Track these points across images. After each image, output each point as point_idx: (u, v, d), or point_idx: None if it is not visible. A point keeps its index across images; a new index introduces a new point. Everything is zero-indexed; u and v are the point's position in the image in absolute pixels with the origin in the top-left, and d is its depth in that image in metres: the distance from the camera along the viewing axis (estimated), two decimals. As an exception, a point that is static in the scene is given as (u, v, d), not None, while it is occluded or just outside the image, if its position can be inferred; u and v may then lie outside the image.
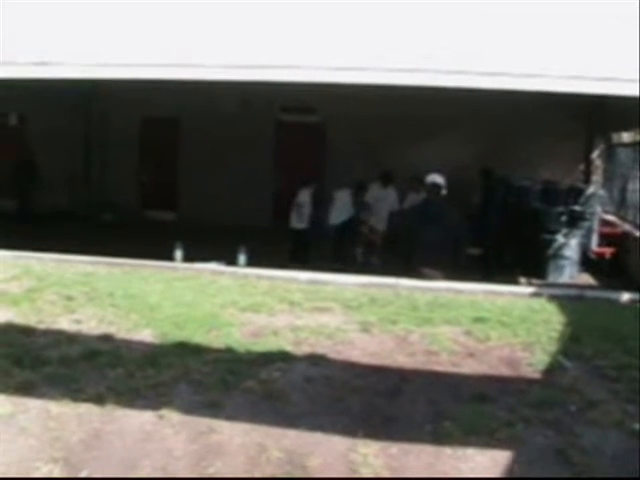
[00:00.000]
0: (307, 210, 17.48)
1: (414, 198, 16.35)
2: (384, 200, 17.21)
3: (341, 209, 17.21)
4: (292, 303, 9.07)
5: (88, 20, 10.44)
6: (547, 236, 17.43)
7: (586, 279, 17.69)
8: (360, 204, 17.18)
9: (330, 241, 17.30)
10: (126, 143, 24.40)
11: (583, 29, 9.04)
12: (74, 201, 24.12)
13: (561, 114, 20.28)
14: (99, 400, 6.13)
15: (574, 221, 17.65)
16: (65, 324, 8.08)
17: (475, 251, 15.79)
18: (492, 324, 8.35)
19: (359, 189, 17.31)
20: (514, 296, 9.84)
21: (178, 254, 13.61)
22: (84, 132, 24.64)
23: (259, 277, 10.43)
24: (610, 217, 21.04)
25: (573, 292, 10.47)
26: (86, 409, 6.03)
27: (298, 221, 17.45)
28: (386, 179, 17.49)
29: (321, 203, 17.66)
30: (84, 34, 10.41)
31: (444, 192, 10.41)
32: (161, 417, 5.93)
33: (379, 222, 17.11)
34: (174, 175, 24.80)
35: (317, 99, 19.68)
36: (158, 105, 22.01)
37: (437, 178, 10.47)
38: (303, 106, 22.57)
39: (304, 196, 17.47)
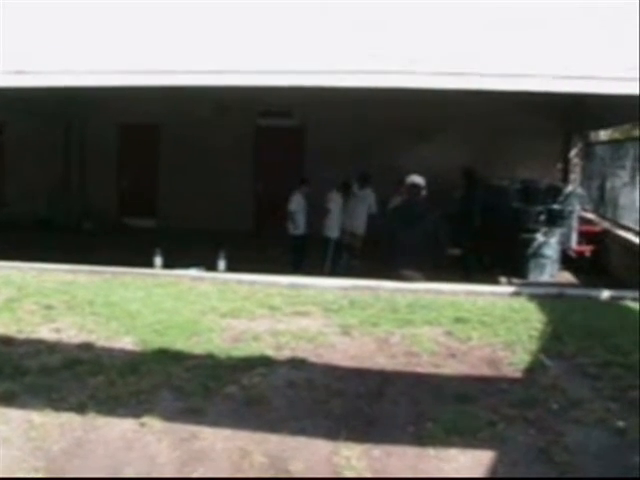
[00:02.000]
0: (301, 215, 17.29)
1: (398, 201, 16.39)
2: (362, 201, 17.07)
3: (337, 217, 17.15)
4: (272, 308, 9.06)
5: (66, 28, 10.41)
6: (527, 235, 17.51)
7: (566, 277, 17.77)
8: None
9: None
10: (105, 150, 24.38)
11: (560, 27, 9.06)
12: (53, 209, 24.05)
13: (539, 113, 20.36)
14: (80, 409, 6.10)
15: (553, 220, 17.73)
16: (45, 333, 8.04)
17: (455, 251, 15.81)
18: (473, 324, 8.37)
19: (345, 189, 17.21)
20: (494, 296, 9.86)
21: (158, 261, 13.58)
22: (63, 140, 24.54)
23: (239, 282, 10.42)
24: (589, 215, 21.15)
25: (553, 290, 10.50)
26: (68, 418, 6.00)
27: (294, 228, 17.29)
28: (363, 180, 17.35)
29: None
30: (62, 42, 10.39)
31: (424, 193, 10.41)
32: (143, 424, 5.90)
33: (358, 225, 16.97)
34: (153, 181, 24.77)
35: (295, 103, 19.72)
36: (137, 112, 21.97)
37: (416, 179, 10.47)
38: (281, 110, 22.60)
39: (296, 202, 17.31)
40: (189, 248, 15.31)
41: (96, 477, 5.32)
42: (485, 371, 7.12)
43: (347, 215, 16.98)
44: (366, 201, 17.12)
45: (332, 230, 17.03)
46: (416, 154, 20.26)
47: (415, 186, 10.45)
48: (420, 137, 21.56)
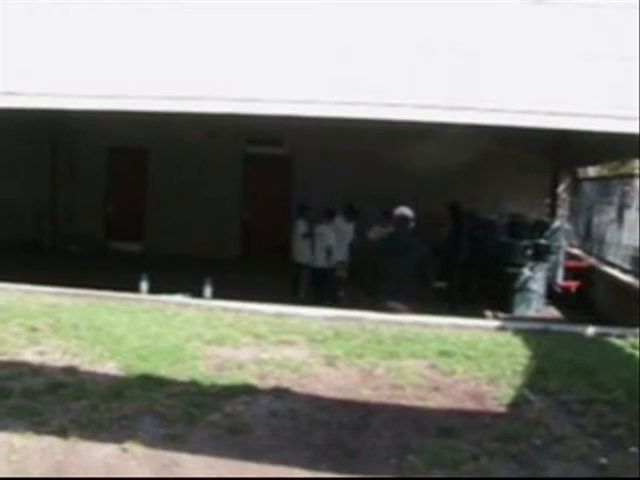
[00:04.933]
0: (306, 242, 17.03)
1: (379, 231, 16.33)
2: (346, 233, 17.04)
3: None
4: (257, 336, 9.04)
5: (57, 51, 10.43)
6: (513, 269, 17.55)
7: (552, 312, 17.81)
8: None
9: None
10: (93, 173, 24.39)
11: (550, 65, 9.11)
12: (40, 231, 24.03)
13: (528, 148, 20.44)
14: (62, 433, 6.07)
15: (540, 254, 17.78)
16: (29, 356, 8.01)
17: (442, 284, 15.83)
18: (457, 358, 8.36)
19: (329, 216, 17.02)
20: (480, 330, 9.86)
21: (144, 286, 13.54)
22: (51, 162, 24.52)
23: (225, 309, 10.40)
24: (576, 251, 21.22)
25: (538, 326, 10.51)
26: (49, 442, 5.96)
27: (299, 254, 17.16)
28: (350, 213, 17.32)
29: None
30: (53, 65, 10.40)
31: (412, 225, 10.43)
32: (125, 450, 5.87)
33: (342, 255, 16.88)
34: (141, 206, 24.76)
35: (285, 132, 19.77)
36: (126, 135, 21.94)
37: (405, 211, 10.49)
38: (270, 138, 22.65)
39: (300, 229, 17.14)
40: (175, 274, 15.27)
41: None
42: (469, 405, 7.11)
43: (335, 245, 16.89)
44: (349, 232, 17.09)
45: (302, 256, 16.97)
46: (403, 186, 20.24)
47: (403, 218, 10.46)
48: (408, 168, 21.58)
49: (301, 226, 16.90)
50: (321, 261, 16.60)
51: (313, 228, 16.74)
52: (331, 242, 16.46)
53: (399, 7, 9.08)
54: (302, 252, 16.85)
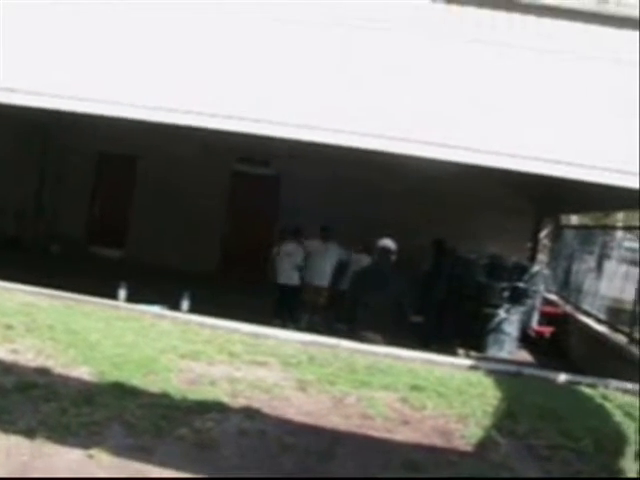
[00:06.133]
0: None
1: (356, 259, 16.31)
2: (324, 254, 16.73)
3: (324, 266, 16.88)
4: (232, 354, 9.04)
5: (57, 52, 10.45)
6: (489, 310, 17.58)
7: (524, 356, 17.83)
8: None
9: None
10: (81, 176, 24.33)
11: (543, 113, 9.19)
12: (21, 230, 23.95)
13: (512, 192, 20.57)
14: (30, 434, 6.07)
15: (517, 297, 17.82)
16: (2, 353, 8.00)
17: (417, 318, 15.84)
18: (428, 393, 8.38)
19: (296, 235, 16.89)
20: (452, 367, 9.89)
21: (122, 293, 13.50)
22: (40, 162, 24.45)
23: (201, 325, 10.39)
24: (553, 296, 21.30)
25: (511, 368, 10.55)
26: (15, 442, 5.96)
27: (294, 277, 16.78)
28: (324, 232, 17.07)
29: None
30: (52, 65, 10.42)
31: (394, 258, 10.47)
32: (91, 456, 5.88)
33: (322, 278, 16.76)
34: (125, 213, 24.69)
35: (274, 153, 19.80)
36: (117, 141, 21.93)
37: (388, 243, 10.53)
38: (259, 158, 22.70)
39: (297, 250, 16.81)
40: (153, 284, 15.24)
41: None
42: (437, 441, 7.14)
43: (311, 270, 16.79)
44: (329, 254, 16.86)
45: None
46: (387, 217, 20.27)
47: (386, 250, 10.50)
48: (392, 201, 21.66)
49: (290, 248, 16.76)
50: (289, 279, 16.52)
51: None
52: (299, 261, 16.42)
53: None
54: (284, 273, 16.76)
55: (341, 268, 16.40)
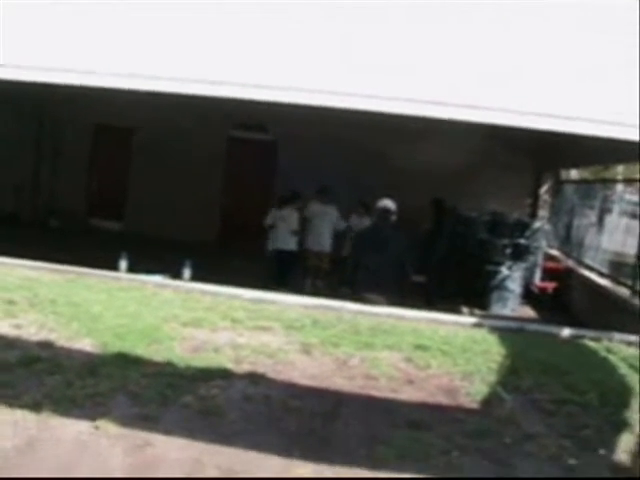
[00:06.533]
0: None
1: (357, 221, 16.33)
2: (324, 217, 16.76)
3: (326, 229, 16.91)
4: (234, 320, 9.05)
5: (45, 24, 10.38)
6: (491, 267, 17.59)
7: (528, 312, 17.86)
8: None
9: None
10: (77, 150, 24.26)
11: (540, 66, 9.13)
12: (20, 205, 23.93)
13: (512, 148, 20.47)
14: (35, 407, 6.07)
15: (519, 254, 17.83)
16: (5, 328, 8.00)
17: (420, 278, 15.86)
18: (433, 352, 8.39)
19: (293, 199, 16.84)
20: (456, 325, 9.90)
21: (123, 265, 13.49)
22: (36, 136, 24.40)
23: (203, 292, 10.39)
24: (554, 252, 21.30)
25: (514, 325, 10.56)
26: (22, 416, 5.96)
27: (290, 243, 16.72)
28: (323, 194, 17.09)
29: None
30: (41, 38, 10.36)
31: (394, 218, 10.45)
32: (97, 428, 5.88)
33: (324, 244, 16.83)
34: (124, 185, 24.59)
35: (269, 118, 19.72)
36: (112, 113, 21.84)
37: (388, 203, 10.50)
38: (255, 124, 22.60)
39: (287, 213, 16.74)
40: (154, 254, 15.25)
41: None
42: (442, 400, 7.15)
43: (311, 234, 16.76)
44: (328, 216, 16.82)
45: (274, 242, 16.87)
46: (386, 178, 20.21)
47: (386, 210, 10.48)
48: (391, 161, 21.58)
49: (285, 213, 16.69)
50: (286, 244, 16.47)
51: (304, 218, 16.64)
52: (294, 226, 16.38)
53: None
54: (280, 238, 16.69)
55: (342, 235, 16.46)
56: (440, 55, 9.15)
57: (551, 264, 19.85)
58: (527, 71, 8.91)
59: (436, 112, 9.22)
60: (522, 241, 17.92)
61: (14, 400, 6.18)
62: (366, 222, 14.75)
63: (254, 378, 7.18)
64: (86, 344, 7.71)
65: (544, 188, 23.74)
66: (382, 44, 9.21)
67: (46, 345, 7.55)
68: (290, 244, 16.39)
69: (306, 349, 8.20)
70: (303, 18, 9.34)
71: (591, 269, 18.09)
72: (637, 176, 18.28)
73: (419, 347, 8.53)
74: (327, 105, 9.43)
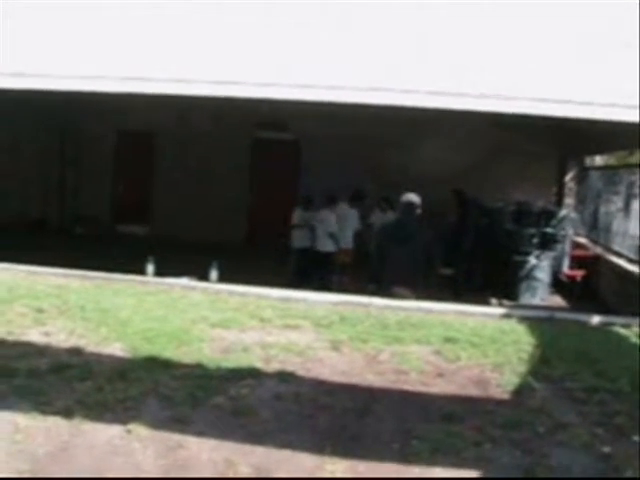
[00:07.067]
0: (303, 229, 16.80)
1: (380, 217, 16.35)
2: (351, 219, 16.97)
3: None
4: (263, 320, 9.07)
5: (65, 33, 10.43)
6: (519, 257, 17.53)
7: (557, 301, 17.79)
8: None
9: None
10: (101, 155, 24.36)
11: (559, 52, 9.10)
12: (47, 212, 24.07)
13: (535, 136, 20.40)
14: (67, 413, 6.09)
15: (546, 243, 17.75)
16: (35, 336, 8.05)
17: (447, 271, 15.84)
18: (462, 344, 8.38)
19: (331, 202, 16.82)
20: (485, 317, 9.87)
21: (150, 268, 13.55)
22: (60, 143, 24.50)
23: (231, 293, 10.42)
24: (582, 240, 21.19)
25: (543, 314, 10.51)
26: (54, 422, 5.99)
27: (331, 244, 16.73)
28: (356, 199, 17.31)
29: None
30: (62, 47, 10.41)
31: (419, 211, 10.43)
32: (129, 431, 5.90)
33: (347, 240, 16.88)
34: (148, 189, 24.72)
35: (292, 116, 19.73)
36: (135, 119, 21.94)
37: (412, 197, 10.48)
38: (278, 123, 22.59)
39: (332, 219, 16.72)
40: (181, 257, 15.28)
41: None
42: (473, 391, 7.13)
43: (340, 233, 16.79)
44: (353, 218, 17.05)
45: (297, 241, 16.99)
46: (411, 172, 20.20)
47: (410, 204, 10.45)
48: (415, 155, 21.56)
49: (297, 215, 16.77)
50: (324, 246, 16.47)
51: (311, 217, 16.62)
52: (332, 228, 16.37)
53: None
54: (299, 238, 16.73)
55: (363, 232, 16.54)
56: (457, 47, 9.15)
57: (579, 252, 19.76)
58: (548, 59, 8.90)
59: (458, 104, 9.23)
60: (549, 230, 17.84)
61: (46, 407, 6.21)
62: (389, 218, 14.74)
63: (284, 376, 7.18)
64: (115, 349, 7.74)
65: (569, 176, 23.60)
66: (400, 39, 9.23)
67: (76, 351, 7.59)
68: (328, 245, 16.41)
69: (335, 346, 8.20)
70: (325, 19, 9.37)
71: (619, 255, 17.98)
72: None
73: (448, 340, 8.52)
74: (348, 101, 9.46)
